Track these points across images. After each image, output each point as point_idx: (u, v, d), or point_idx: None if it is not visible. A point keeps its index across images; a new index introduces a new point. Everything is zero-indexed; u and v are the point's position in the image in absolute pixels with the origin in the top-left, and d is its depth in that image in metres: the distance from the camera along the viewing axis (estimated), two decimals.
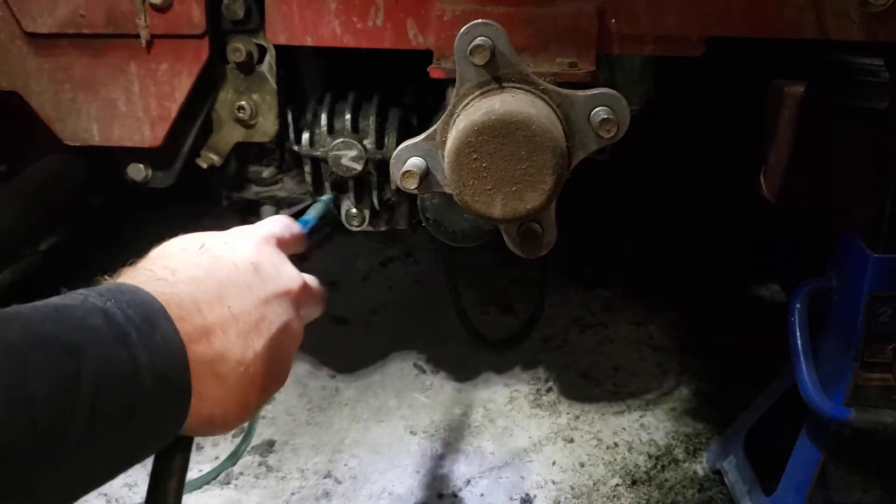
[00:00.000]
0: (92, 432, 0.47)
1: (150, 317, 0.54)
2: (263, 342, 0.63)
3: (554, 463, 1.52)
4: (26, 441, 0.44)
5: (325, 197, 1.22)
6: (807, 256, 1.40)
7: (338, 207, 1.27)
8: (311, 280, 0.75)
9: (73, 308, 0.51)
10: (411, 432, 1.62)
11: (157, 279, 0.59)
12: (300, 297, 0.70)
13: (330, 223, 1.12)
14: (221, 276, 0.63)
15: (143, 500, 0.60)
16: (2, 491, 0.44)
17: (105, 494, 1.44)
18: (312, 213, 0.96)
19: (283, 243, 0.74)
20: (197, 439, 1.76)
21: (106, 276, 0.60)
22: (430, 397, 1.73)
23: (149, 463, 0.60)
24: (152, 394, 0.51)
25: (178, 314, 0.56)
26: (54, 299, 0.52)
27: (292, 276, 0.70)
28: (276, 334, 0.64)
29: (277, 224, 0.76)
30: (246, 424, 1.62)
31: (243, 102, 1.17)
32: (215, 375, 0.58)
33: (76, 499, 0.51)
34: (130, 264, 0.63)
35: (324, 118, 1.22)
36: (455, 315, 1.81)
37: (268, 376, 0.64)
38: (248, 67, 1.16)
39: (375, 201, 1.26)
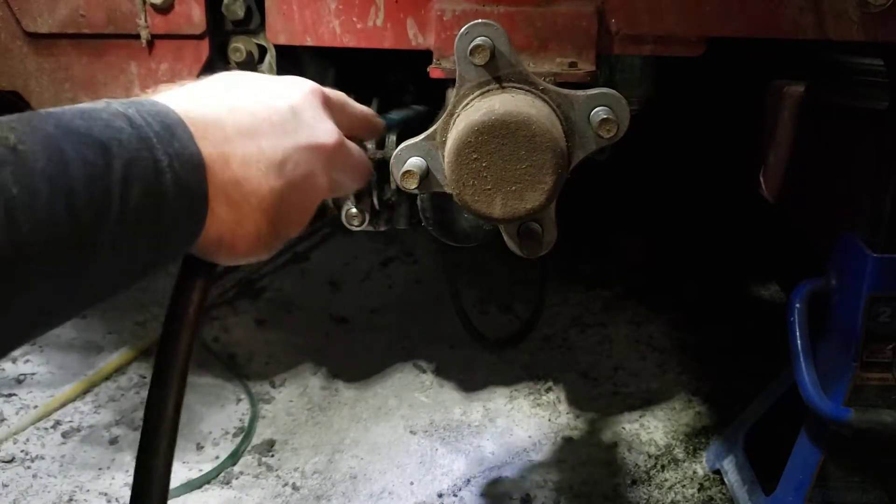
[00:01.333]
0: (122, 225, 0.49)
1: (168, 125, 0.55)
2: (283, 182, 0.64)
3: (554, 463, 1.52)
4: (68, 227, 0.46)
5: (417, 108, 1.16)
6: (806, 256, 1.40)
7: (338, 207, 1.27)
8: (353, 147, 0.75)
9: (99, 111, 0.52)
10: (411, 432, 1.62)
11: (191, 98, 0.60)
12: (333, 154, 0.70)
13: (413, 128, 1.11)
14: (259, 114, 0.64)
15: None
16: (49, 275, 0.45)
17: (105, 494, 1.44)
18: (400, 115, 0.95)
19: (331, 104, 0.74)
20: (197, 439, 1.75)
21: (147, 91, 0.62)
22: (430, 397, 1.74)
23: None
24: (173, 195, 0.53)
25: (200, 132, 0.57)
26: (79, 105, 0.53)
27: (329, 132, 0.70)
28: (298, 180, 0.65)
29: (333, 90, 0.76)
30: (245, 424, 1.62)
31: None
32: (228, 199, 0.60)
33: (108, 294, 0.53)
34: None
35: None
36: (455, 315, 1.81)
37: (281, 215, 0.65)
38: (248, 67, 1.16)
39: (375, 201, 1.26)
